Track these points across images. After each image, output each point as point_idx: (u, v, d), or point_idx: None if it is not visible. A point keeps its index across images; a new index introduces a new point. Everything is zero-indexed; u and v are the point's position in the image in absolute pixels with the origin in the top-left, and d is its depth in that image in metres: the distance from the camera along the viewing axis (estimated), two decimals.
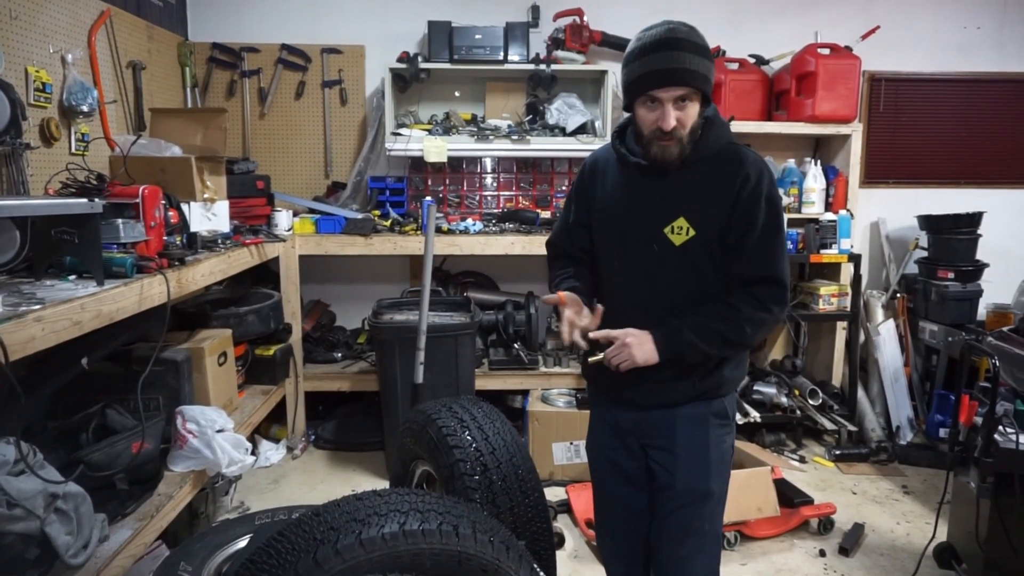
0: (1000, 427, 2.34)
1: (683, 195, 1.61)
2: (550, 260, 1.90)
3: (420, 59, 3.81)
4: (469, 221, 3.78)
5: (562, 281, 1.76)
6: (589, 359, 1.67)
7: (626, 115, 1.69)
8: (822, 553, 2.77)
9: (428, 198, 3.91)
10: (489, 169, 4.26)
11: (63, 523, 1.76)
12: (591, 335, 1.61)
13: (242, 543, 1.94)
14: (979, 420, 2.43)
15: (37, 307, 1.62)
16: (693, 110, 1.55)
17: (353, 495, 1.44)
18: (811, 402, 3.76)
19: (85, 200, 1.91)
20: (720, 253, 1.61)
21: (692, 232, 1.59)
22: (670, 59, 1.49)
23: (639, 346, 1.58)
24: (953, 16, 4.21)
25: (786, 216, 3.87)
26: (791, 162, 4.11)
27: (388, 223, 3.77)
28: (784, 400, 3.75)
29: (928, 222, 3.96)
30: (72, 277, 2.01)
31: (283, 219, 3.59)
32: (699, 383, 1.66)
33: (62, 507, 1.76)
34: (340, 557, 1.27)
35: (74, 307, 1.72)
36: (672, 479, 1.68)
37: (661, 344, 1.59)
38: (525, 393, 3.67)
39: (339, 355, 3.93)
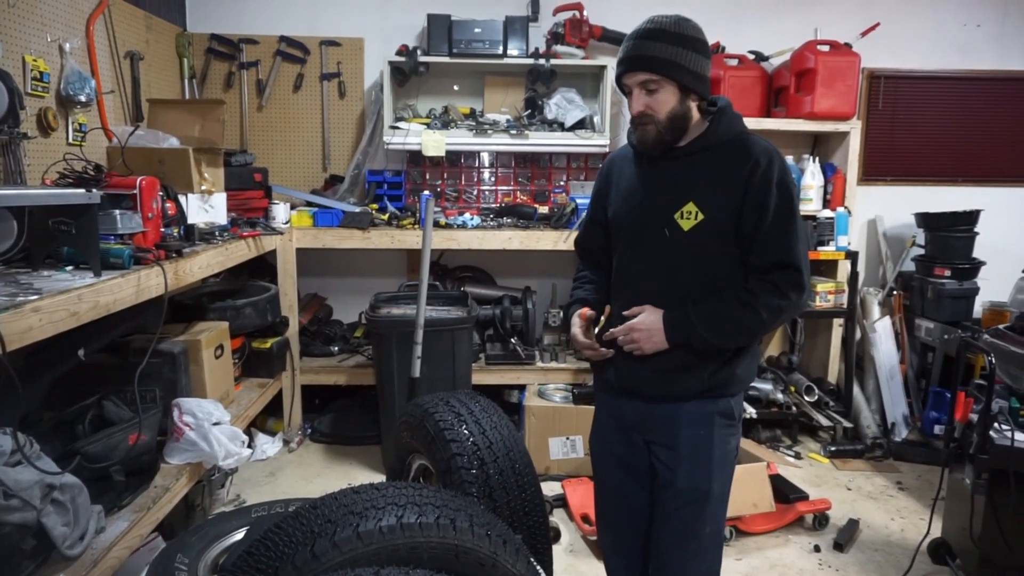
0: (995, 424, 2.35)
1: (691, 181, 1.63)
2: (578, 258, 1.99)
3: (419, 52, 3.79)
4: (467, 215, 3.78)
5: (579, 286, 1.90)
6: (604, 335, 1.72)
7: None
8: (817, 548, 2.79)
9: (426, 192, 3.91)
10: (487, 164, 4.26)
11: (60, 514, 1.76)
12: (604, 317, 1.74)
13: (238, 536, 1.95)
14: (974, 417, 2.45)
15: (35, 297, 1.62)
16: (664, 96, 1.58)
17: (350, 488, 1.44)
18: (807, 399, 3.77)
19: (83, 191, 1.90)
20: (731, 240, 1.62)
21: (700, 216, 1.60)
22: (634, 48, 1.58)
23: (648, 338, 1.64)
24: (954, 14, 4.21)
25: None
26: (789, 159, 4.11)
27: (386, 217, 3.76)
28: (780, 396, 3.75)
29: (926, 220, 3.96)
30: (69, 268, 2.00)
31: (280, 212, 3.58)
32: (709, 378, 1.66)
33: (59, 498, 1.76)
34: (338, 550, 1.27)
35: (71, 298, 1.72)
36: (674, 477, 1.68)
37: (669, 331, 1.63)
38: (522, 388, 3.68)
39: (336, 349, 3.92)
